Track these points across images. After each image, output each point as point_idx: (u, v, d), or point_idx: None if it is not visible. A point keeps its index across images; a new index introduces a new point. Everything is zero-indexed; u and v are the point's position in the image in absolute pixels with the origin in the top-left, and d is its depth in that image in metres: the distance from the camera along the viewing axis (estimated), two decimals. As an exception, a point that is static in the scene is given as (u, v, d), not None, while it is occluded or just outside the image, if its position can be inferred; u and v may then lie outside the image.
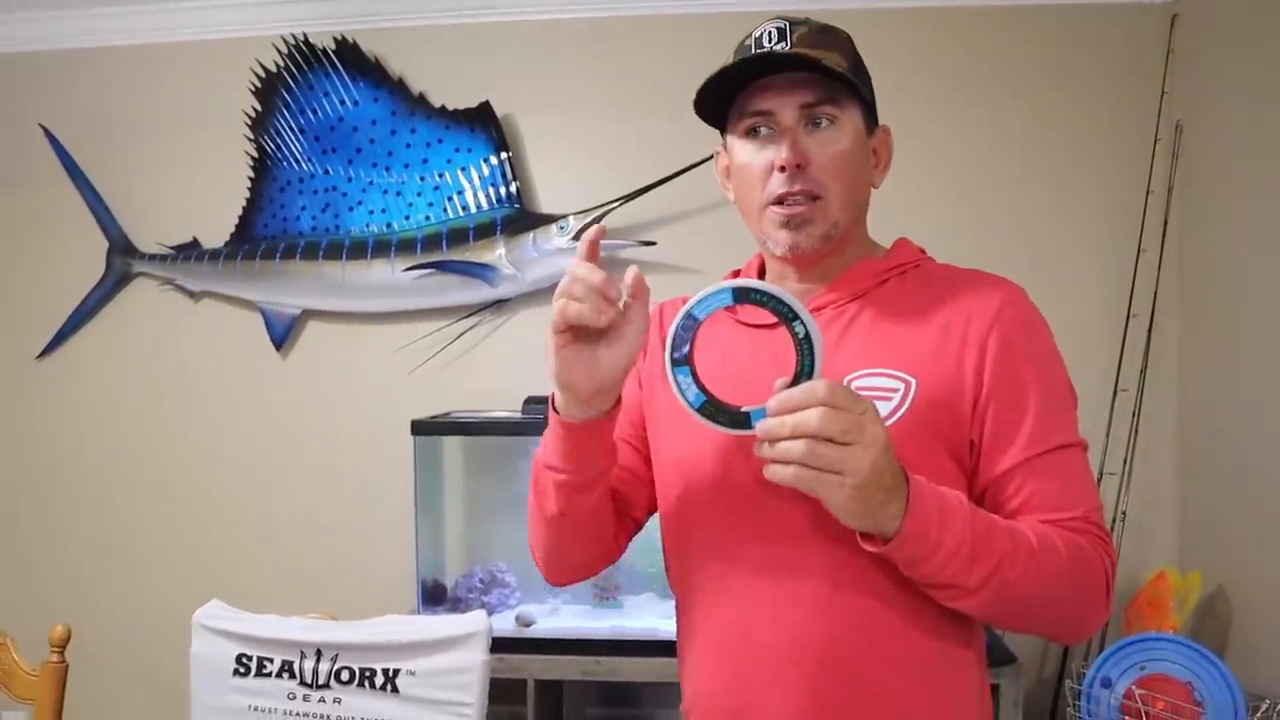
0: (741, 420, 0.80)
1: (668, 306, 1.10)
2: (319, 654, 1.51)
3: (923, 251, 1.05)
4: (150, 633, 2.53)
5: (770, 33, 0.95)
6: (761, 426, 0.77)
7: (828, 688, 0.92)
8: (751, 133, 0.97)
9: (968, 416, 0.92)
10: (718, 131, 1.04)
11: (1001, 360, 0.92)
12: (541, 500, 0.98)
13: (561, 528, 0.99)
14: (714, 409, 0.81)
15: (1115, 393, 2.27)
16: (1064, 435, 0.93)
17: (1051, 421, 0.92)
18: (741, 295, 0.80)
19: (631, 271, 0.86)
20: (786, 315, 0.79)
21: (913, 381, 0.92)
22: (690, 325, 0.81)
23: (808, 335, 0.78)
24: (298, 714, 1.50)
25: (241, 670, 1.53)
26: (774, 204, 0.96)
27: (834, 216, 0.96)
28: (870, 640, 0.92)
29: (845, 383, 0.92)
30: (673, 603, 2.27)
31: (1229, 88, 2.14)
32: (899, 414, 0.91)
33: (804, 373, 0.79)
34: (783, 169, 0.94)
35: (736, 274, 1.09)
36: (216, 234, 2.60)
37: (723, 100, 0.98)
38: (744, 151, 0.98)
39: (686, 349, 0.81)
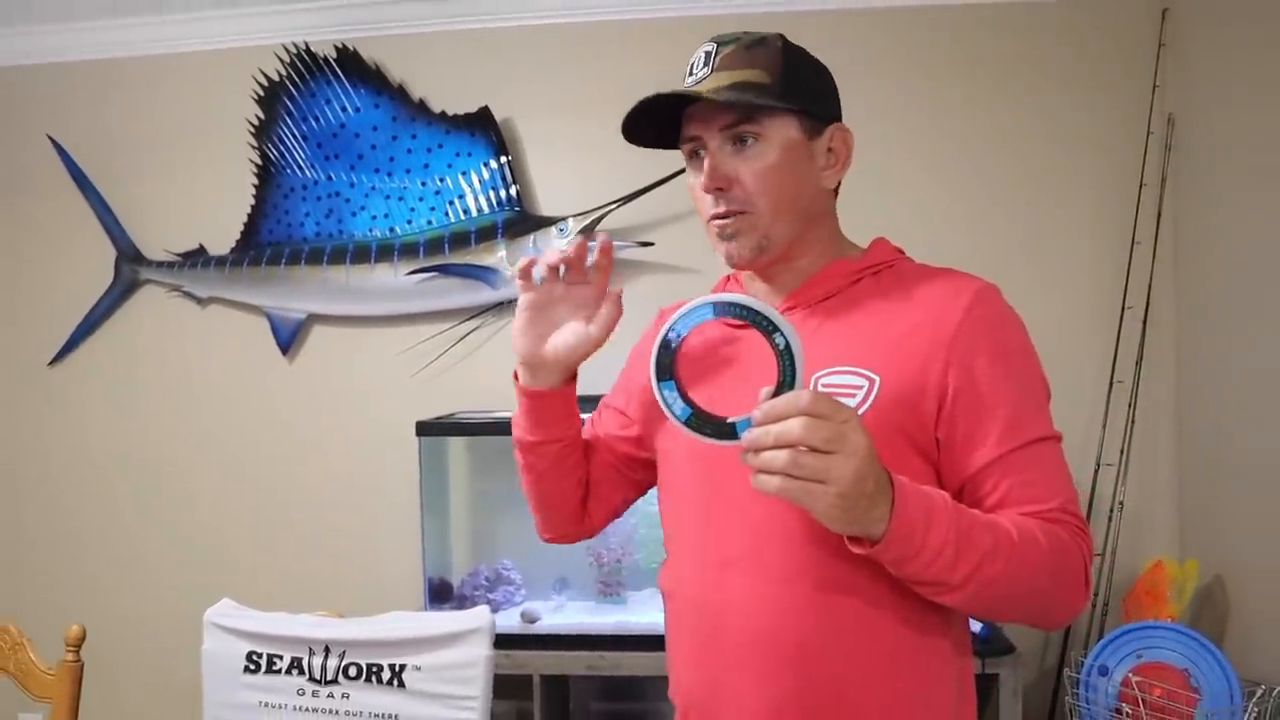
0: (727, 431, 0.81)
1: (668, 312, 1.15)
2: (327, 650, 1.54)
3: (900, 251, 1.07)
4: (160, 634, 2.58)
5: (700, 57, 1.00)
6: (747, 437, 0.79)
7: (801, 678, 0.94)
8: (693, 155, 1.02)
9: (933, 414, 0.94)
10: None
11: (969, 360, 0.94)
12: (517, 458, 1.14)
13: (527, 484, 1.15)
14: (700, 421, 0.83)
15: (1111, 384, 2.29)
16: (1037, 429, 0.94)
17: (1024, 417, 0.94)
18: (722, 309, 0.82)
19: (601, 238, 1.03)
20: (766, 327, 0.80)
21: (876, 379, 0.94)
22: (674, 341, 0.83)
23: (788, 346, 0.80)
24: (307, 709, 1.54)
25: (252, 667, 1.56)
26: (710, 220, 1.01)
27: (764, 229, 0.99)
28: (842, 632, 0.94)
29: (811, 381, 0.95)
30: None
31: (1219, 81, 2.16)
32: (863, 410, 0.93)
33: (786, 383, 0.80)
34: (707, 191, 0.99)
35: (727, 280, 1.13)
36: (222, 241, 2.65)
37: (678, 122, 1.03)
38: (689, 174, 1.04)
39: (670, 364, 0.83)
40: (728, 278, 1.13)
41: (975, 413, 0.93)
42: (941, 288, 0.98)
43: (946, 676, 0.98)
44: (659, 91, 0.97)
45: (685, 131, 1.01)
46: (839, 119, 1.04)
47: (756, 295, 1.05)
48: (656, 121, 1.01)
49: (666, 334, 0.84)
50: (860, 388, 0.94)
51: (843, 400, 0.92)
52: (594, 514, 1.19)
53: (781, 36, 1.01)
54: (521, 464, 1.14)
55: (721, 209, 0.98)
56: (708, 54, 0.99)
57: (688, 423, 0.83)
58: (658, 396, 0.84)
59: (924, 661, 0.96)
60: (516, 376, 1.09)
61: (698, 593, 1.01)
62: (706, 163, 0.98)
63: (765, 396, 0.80)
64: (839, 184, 1.05)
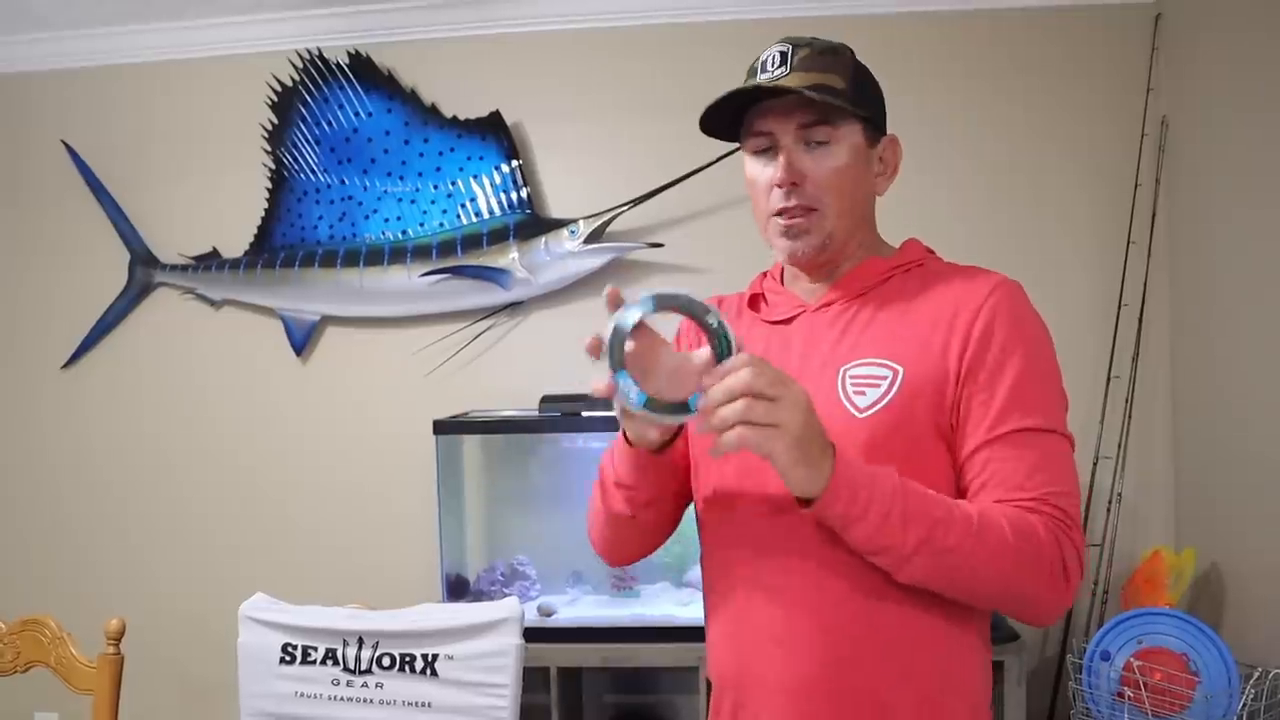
0: (683, 407, 0.87)
1: (726, 301, 1.19)
2: (361, 642, 1.59)
3: (930, 251, 1.12)
4: (177, 633, 2.60)
5: (774, 56, 1.02)
6: (701, 401, 0.85)
7: (829, 659, 0.99)
8: (759, 151, 1.06)
9: (951, 401, 0.98)
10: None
11: (980, 346, 0.98)
12: (609, 504, 1.09)
13: (627, 527, 1.11)
14: (656, 404, 0.88)
15: (1109, 379, 2.35)
16: (1037, 420, 0.97)
17: (1024, 405, 0.97)
18: (661, 301, 0.88)
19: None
20: (698, 312, 0.88)
21: (900, 370, 0.98)
22: (620, 333, 0.88)
23: (720, 324, 0.87)
24: (342, 699, 1.59)
25: (287, 659, 1.61)
26: (775, 215, 1.04)
27: (829, 227, 1.04)
28: (871, 615, 0.98)
29: (840, 372, 1.00)
30: (686, 591, 2.36)
31: (1212, 84, 2.23)
32: (887, 399, 0.98)
33: (723, 353, 0.87)
34: (780, 186, 1.02)
35: (763, 276, 1.18)
36: (236, 244, 2.68)
37: (736, 115, 1.06)
38: (752, 167, 1.07)
39: (622, 354, 0.88)
40: (764, 274, 1.17)
41: (975, 398, 0.97)
42: (964, 283, 1.03)
43: (973, 664, 1.03)
44: (756, 83, 1.00)
45: (757, 126, 1.04)
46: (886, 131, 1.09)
47: (798, 292, 1.10)
48: (723, 114, 1.04)
49: (615, 327, 0.88)
50: (885, 378, 0.98)
51: (869, 389, 0.97)
52: (668, 529, 1.19)
53: (849, 47, 1.06)
54: (629, 515, 1.08)
55: (792, 203, 1.02)
56: (783, 54, 1.02)
57: (646, 406, 0.88)
58: (616, 386, 0.88)
59: (952, 650, 1.01)
60: (626, 439, 1.03)
61: (733, 577, 1.06)
62: (782, 158, 1.02)
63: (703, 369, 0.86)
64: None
